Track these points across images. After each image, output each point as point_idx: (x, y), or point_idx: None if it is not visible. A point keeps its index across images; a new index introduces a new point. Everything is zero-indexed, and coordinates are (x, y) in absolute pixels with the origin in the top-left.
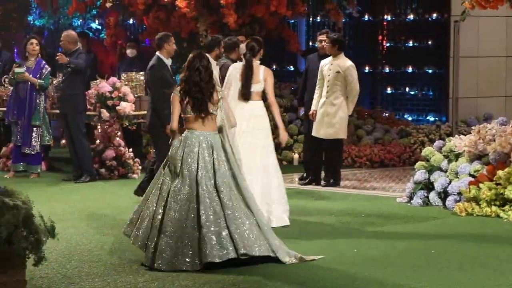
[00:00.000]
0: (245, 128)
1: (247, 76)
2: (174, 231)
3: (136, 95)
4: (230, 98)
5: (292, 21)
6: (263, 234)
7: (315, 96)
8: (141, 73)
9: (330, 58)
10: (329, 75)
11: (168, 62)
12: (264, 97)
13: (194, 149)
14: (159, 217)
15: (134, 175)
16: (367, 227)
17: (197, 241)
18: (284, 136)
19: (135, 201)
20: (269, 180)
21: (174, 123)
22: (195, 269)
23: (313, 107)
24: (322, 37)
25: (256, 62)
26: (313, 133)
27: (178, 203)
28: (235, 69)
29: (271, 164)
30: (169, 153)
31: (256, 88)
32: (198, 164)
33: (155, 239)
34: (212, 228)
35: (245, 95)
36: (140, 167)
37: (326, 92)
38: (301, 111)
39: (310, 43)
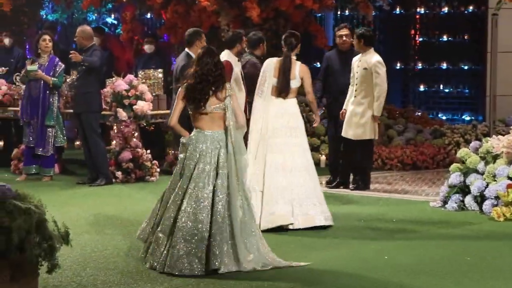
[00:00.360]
0: (278, 126)
1: (285, 72)
2: (161, 231)
3: (154, 94)
4: (264, 95)
5: (319, 14)
6: (235, 246)
7: (348, 95)
8: (159, 70)
9: (360, 54)
10: (357, 73)
11: None
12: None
13: (197, 149)
14: (157, 215)
15: (152, 178)
16: (398, 233)
17: (168, 245)
18: (317, 121)
19: (153, 205)
20: (311, 179)
21: (173, 119)
22: (158, 271)
23: (344, 106)
24: (342, 32)
25: (293, 58)
26: (342, 134)
27: (168, 202)
28: (270, 64)
29: (309, 163)
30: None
31: (291, 84)
32: (195, 166)
33: (151, 236)
34: (185, 238)
35: (281, 91)
36: (158, 170)
37: (355, 90)
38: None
39: None
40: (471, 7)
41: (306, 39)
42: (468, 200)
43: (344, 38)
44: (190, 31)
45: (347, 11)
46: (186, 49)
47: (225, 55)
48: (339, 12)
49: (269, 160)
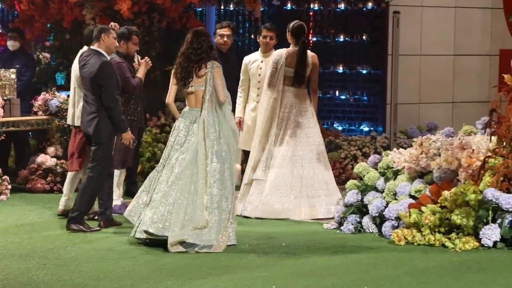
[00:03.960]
0: (291, 117)
1: (302, 61)
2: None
3: (5, 98)
4: (277, 86)
5: (200, 9)
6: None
7: (239, 100)
8: (12, 70)
9: (257, 54)
10: (259, 75)
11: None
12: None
13: (181, 124)
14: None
15: (2, 197)
16: (287, 259)
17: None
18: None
19: (3, 229)
20: (308, 172)
21: (169, 97)
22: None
23: (238, 114)
24: (224, 31)
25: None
26: (243, 147)
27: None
28: (282, 55)
29: (313, 155)
30: None
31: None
32: (175, 138)
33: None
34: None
35: (298, 80)
36: (9, 187)
37: (257, 95)
38: None
39: None
40: (370, 4)
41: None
42: (366, 221)
43: (226, 39)
44: (101, 28)
45: (231, 6)
46: (94, 47)
47: None
48: (222, 7)
49: (277, 152)
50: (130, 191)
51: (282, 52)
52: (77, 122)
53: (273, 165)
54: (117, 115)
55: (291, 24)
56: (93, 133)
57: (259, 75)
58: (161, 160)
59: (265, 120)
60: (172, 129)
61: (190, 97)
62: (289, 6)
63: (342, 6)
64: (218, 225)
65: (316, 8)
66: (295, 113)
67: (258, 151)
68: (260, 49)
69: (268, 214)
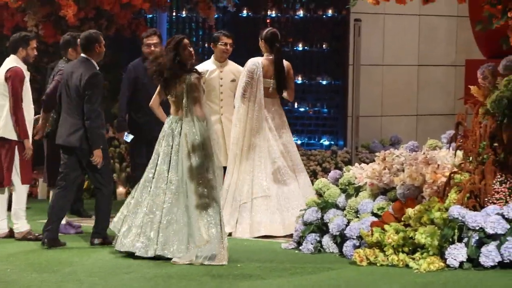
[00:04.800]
0: (274, 128)
1: (281, 69)
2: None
3: None
4: (258, 99)
5: (150, 15)
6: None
7: None
8: None
9: (210, 64)
10: (221, 86)
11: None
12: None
13: (163, 133)
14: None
15: None
16: (243, 281)
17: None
18: None
19: None
20: (283, 184)
21: (153, 101)
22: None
23: None
24: (151, 40)
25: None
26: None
27: (139, 185)
28: (258, 66)
29: (297, 167)
30: None
31: None
32: (161, 147)
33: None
34: (149, 217)
35: (279, 90)
36: None
37: (221, 107)
38: (128, 137)
39: None
40: (330, 11)
41: (135, 45)
42: (326, 240)
43: (153, 48)
44: (88, 34)
45: (184, 13)
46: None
47: (13, 61)
48: (174, 14)
49: (272, 165)
50: (75, 209)
51: (258, 61)
52: (2, 133)
53: (274, 180)
54: (95, 128)
55: (264, 32)
56: (79, 145)
57: (221, 86)
58: (150, 170)
59: (248, 133)
60: (160, 133)
61: (173, 104)
62: (245, 13)
63: (300, 13)
64: (216, 237)
65: (274, 15)
66: (278, 124)
67: (247, 167)
68: (214, 57)
69: (287, 230)
